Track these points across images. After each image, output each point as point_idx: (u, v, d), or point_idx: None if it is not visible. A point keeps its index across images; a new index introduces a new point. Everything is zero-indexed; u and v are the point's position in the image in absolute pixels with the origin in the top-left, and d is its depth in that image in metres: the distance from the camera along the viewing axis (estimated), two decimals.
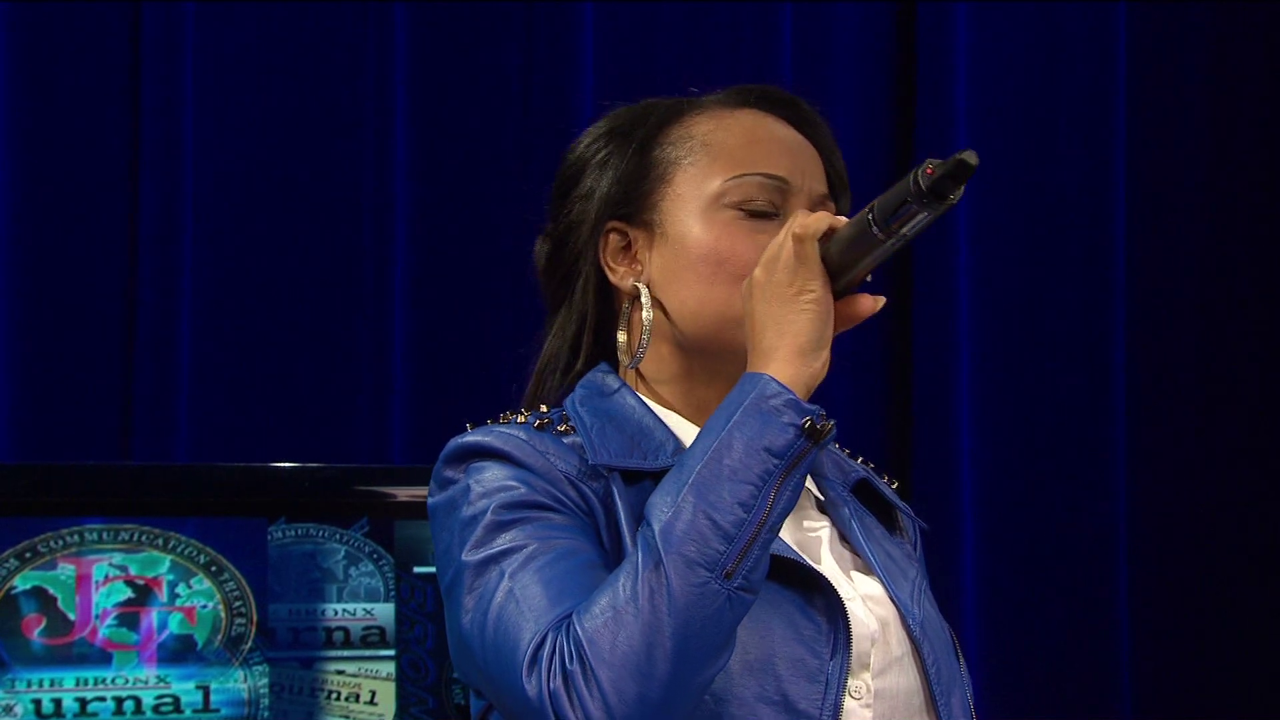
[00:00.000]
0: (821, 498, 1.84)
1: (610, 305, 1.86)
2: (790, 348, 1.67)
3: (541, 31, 3.63)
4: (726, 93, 1.86)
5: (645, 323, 1.81)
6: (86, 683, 2.79)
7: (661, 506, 1.61)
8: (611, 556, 1.70)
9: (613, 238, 1.85)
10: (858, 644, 1.71)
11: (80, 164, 3.38)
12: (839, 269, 1.70)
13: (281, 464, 2.97)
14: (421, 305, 3.51)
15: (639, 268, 1.83)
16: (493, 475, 1.72)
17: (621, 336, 1.84)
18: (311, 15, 3.52)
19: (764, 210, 1.79)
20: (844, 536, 1.82)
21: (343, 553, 2.91)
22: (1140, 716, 3.87)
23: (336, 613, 2.89)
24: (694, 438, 1.78)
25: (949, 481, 3.78)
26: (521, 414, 1.79)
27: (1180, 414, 3.97)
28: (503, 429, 1.75)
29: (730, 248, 1.78)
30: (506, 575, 1.65)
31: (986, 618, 3.79)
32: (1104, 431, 3.90)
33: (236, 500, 2.89)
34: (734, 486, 1.61)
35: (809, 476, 1.79)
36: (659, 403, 1.83)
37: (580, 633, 1.58)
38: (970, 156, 1.60)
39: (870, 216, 1.67)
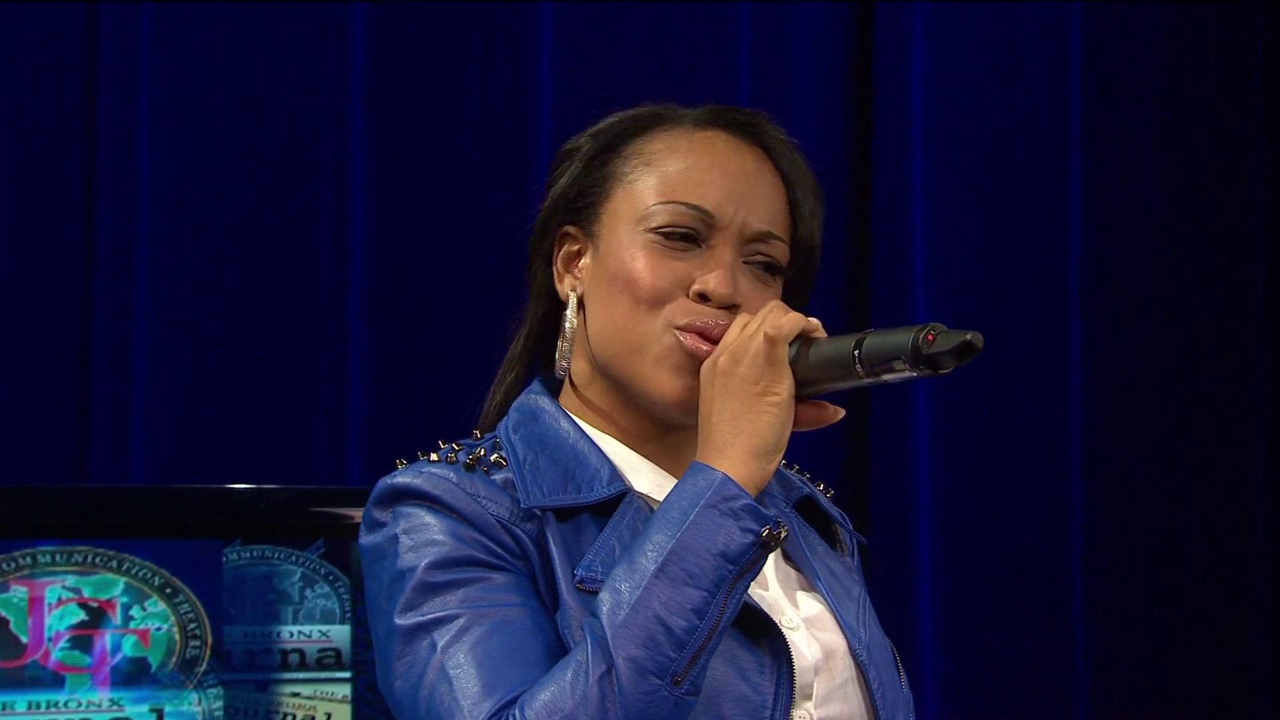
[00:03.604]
0: None
1: (559, 309, 1.85)
2: (745, 447, 1.66)
3: (500, 43, 3.62)
4: (703, 111, 1.84)
5: (568, 333, 1.80)
6: (39, 706, 2.77)
7: (614, 605, 1.60)
8: (548, 600, 1.69)
9: (567, 242, 1.83)
10: (800, 676, 1.71)
11: (35, 184, 3.36)
12: (806, 380, 1.68)
13: (237, 485, 2.96)
14: (379, 325, 3.49)
15: (580, 276, 1.82)
16: (422, 524, 1.70)
17: (562, 345, 1.82)
18: (268, 31, 3.51)
19: (683, 238, 1.76)
20: (787, 555, 1.82)
21: (298, 574, 2.89)
22: None
23: (292, 635, 2.88)
24: (629, 465, 1.78)
25: (907, 498, 3.78)
26: (454, 449, 1.77)
27: (1136, 431, 3.98)
28: (433, 470, 1.73)
29: (641, 271, 1.75)
30: (439, 649, 1.64)
31: (944, 629, 3.79)
32: (1060, 447, 3.90)
33: (191, 522, 2.88)
34: (688, 592, 1.60)
35: None
36: (592, 424, 1.81)
37: None
38: (977, 340, 1.60)
39: (856, 353, 1.65)
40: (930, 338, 1.61)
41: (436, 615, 1.66)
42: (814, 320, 1.71)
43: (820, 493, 1.92)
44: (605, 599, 1.61)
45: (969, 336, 1.60)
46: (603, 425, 1.81)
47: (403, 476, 1.73)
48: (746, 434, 1.66)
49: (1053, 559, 3.89)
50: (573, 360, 1.82)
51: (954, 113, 3.90)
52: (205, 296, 3.41)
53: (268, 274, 3.45)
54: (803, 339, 1.70)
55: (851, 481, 3.77)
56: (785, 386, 1.68)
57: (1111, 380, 3.97)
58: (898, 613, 3.69)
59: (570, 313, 1.80)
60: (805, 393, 1.69)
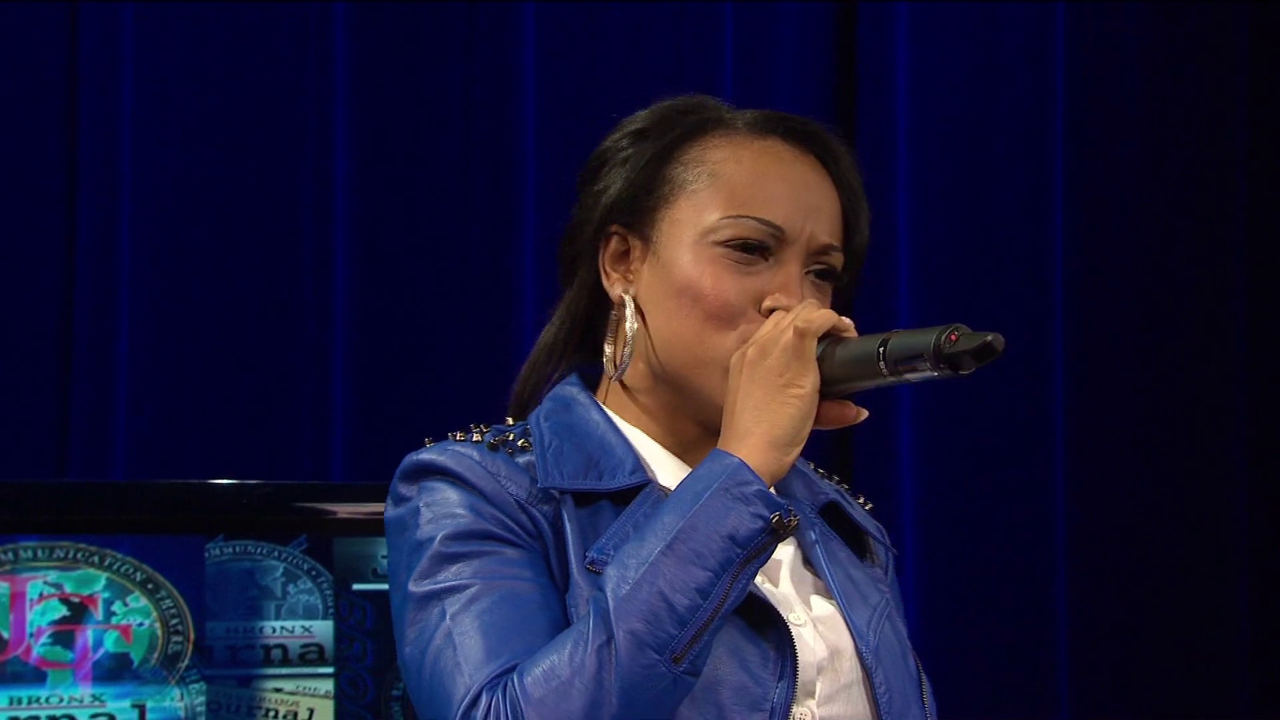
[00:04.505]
0: None
1: (604, 307, 1.85)
2: (765, 436, 1.67)
3: (482, 42, 3.62)
4: (757, 117, 1.83)
5: (628, 335, 1.80)
6: (20, 702, 2.77)
7: (619, 579, 1.62)
8: (559, 581, 1.71)
9: (614, 241, 1.83)
10: (803, 671, 1.71)
11: (17, 179, 3.35)
12: (833, 377, 1.69)
13: (219, 480, 2.96)
14: (361, 321, 3.49)
15: (632, 278, 1.82)
16: (443, 498, 1.73)
17: (608, 347, 1.83)
18: (251, 28, 3.51)
19: (753, 252, 1.77)
20: (808, 559, 1.82)
21: (281, 570, 2.89)
22: None
23: (274, 630, 2.88)
24: (655, 459, 1.80)
25: (890, 495, 3.78)
26: (479, 430, 1.79)
27: (1117, 429, 3.99)
28: (457, 448, 1.75)
29: (711, 286, 1.76)
30: (448, 615, 1.67)
31: (927, 627, 3.80)
32: (1043, 444, 3.91)
33: (173, 517, 2.87)
34: (694, 571, 1.61)
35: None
36: (626, 419, 1.82)
37: (521, 696, 1.59)
38: (997, 342, 1.61)
39: (881, 351, 1.66)
40: (954, 338, 1.63)
41: (449, 584, 1.69)
42: (846, 320, 1.71)
43: (851, 502, 1.93)
44: (611, 573, 1.62)
45: (989, 338, 1.62)
46: (643, 423, 1.82)
47: (428, 453, 1.76)
48: (767, 424, 1.67)
49: (1035, 557, 3.89)
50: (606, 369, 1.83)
51: (937, 111, 3.91)
52: (187, 291, 3.41)
53: (249, 270, 3.44)
54: (833, 337, 1.71)
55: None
56: (810, 380, 1.69)
57: (1094, 376, 3.97)
58: None
59: (630, 315, 1.81)
60: (831, 390, 1.70)
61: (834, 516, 1.88)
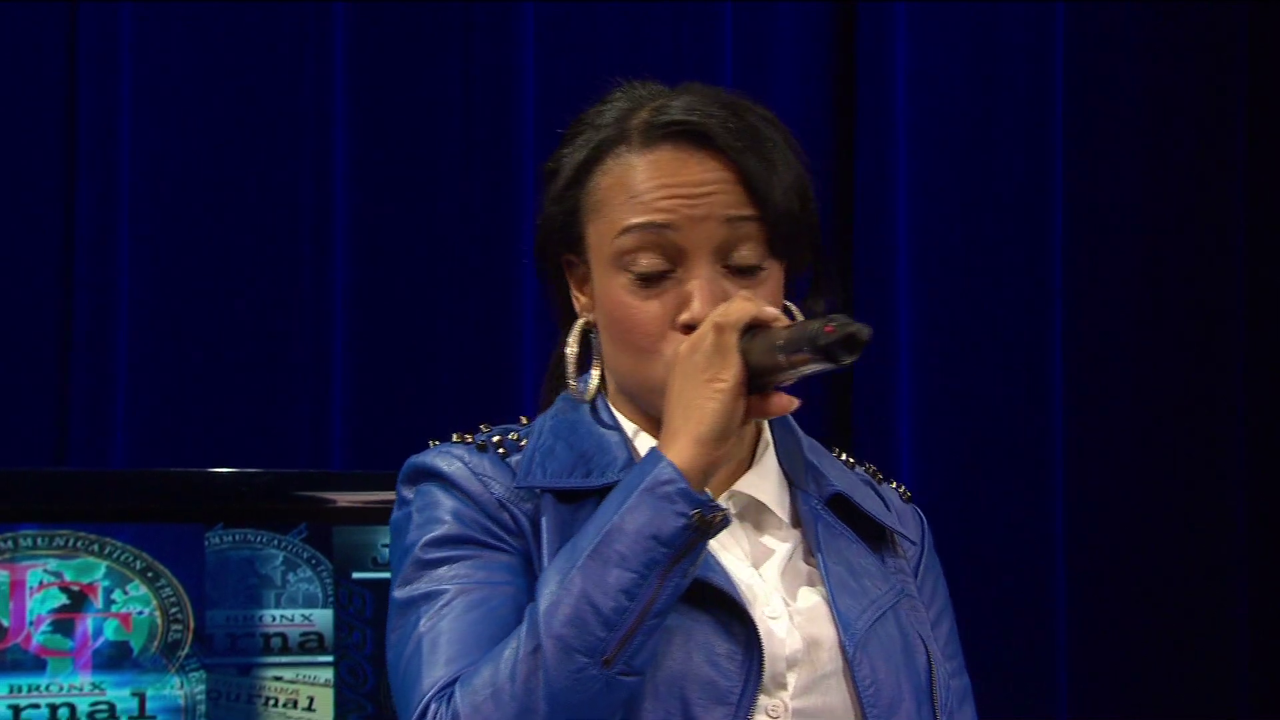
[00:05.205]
0: (784, 517, 1.80)
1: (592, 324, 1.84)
2: (691, 434, 1.65)
3: (481, 41, 3.63)
4: (649, 125, 1.76)
5: (569, 359, 1.81)
6: (20, 690, 2.77)
7: (549, 585, 1.62)
8: (539, 577, 1.70)
9: (568, 265, 1.82)
10: (771, 664, 1.70)
11: (16, 169, 3.36)
12: (758, 368, 1.67)
13: (219, 469, 2.97)
14: (361, 310, 3.50)
15: (591, 301, 1.81)
16: (431, 502, 1.74)
17: (569, 376, 1.82)
18: (251, 28, 3.51)
19: (654, 272, 1.74)
20: (810, 552, 1.80)
21: (281, 558, 2.89)
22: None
23: (274, 619, 2.88)
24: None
25: None
26: (481, 430, 1.80)
27: (1117, 429, 3.99)
28: (450, 450, 1.77)
29: (630, 319, 1.75)
30: (421, 621, 1.69)
31: None
32: (1042, 446, 3.91)
33: (173, 506, 2.88)
34: (619, 573, 1.61)
35: (790, 487, 1.80)
36: (629, 417, 1.81)
37: (459, 706, 1.61)
38: (861, 332, 1.60)
39: (779, 342, 1.65)
40: (829, 329, 1.61)
41: (426, 590, 1.70)
42: (770, 310, 1.68)
43: (879, 491, 1.90)
44: (543, 579, 1.63)
45: (854, 329, 1.60)
46: (641, 424, 1.81)
47: (423, 456, 1.78)
48: (694, 420, 1.66)
49: (1035, 557, 3.89)
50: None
51: (937, 110, 3.91)
52: (186, 281, 3.41)
53: (249, 261, 3.45)
54: (758, 328, 1.68)
55: None
56: (731, 373, 1.66)
57: (1094, 376, 3.97)
58: None
59: (572, 340, 1.81)
60: (763, 381, 1.68)
61: (843, 508, 1.85)
